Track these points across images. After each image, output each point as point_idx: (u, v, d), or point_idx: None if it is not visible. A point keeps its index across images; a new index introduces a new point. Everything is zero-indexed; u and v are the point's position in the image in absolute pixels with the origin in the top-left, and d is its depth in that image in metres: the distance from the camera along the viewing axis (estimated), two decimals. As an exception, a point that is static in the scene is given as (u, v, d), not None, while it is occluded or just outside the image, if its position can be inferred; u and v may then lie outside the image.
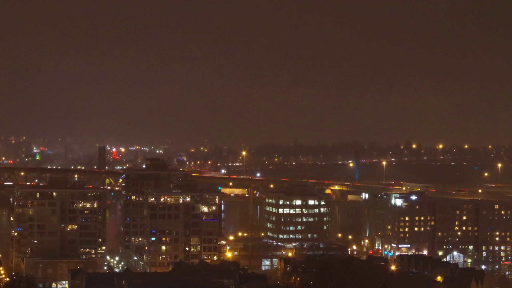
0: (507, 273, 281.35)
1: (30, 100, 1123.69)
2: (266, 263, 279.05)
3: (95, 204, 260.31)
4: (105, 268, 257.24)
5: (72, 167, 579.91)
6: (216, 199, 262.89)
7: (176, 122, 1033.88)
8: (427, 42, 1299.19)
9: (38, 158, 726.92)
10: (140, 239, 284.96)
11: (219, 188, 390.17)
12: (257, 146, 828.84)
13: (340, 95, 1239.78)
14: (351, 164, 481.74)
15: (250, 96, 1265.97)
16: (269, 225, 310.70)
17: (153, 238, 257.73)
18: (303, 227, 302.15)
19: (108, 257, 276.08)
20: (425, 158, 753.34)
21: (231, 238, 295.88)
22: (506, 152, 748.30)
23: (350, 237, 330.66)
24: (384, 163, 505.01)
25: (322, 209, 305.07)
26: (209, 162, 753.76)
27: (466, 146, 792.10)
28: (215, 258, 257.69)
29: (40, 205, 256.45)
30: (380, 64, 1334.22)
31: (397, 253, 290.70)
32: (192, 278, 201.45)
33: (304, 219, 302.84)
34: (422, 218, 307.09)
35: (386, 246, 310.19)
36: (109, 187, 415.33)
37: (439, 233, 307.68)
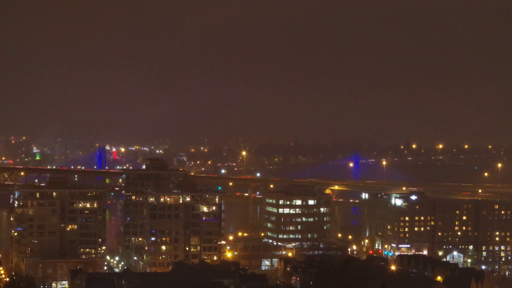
0: (507, 273, 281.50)
1: (30, 100, 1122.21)
2: (266, 263, 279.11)
3: (95, 204, 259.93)
4: (105, 268, 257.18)
5: (72, 167, 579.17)
6: (216, 199, 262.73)
7: (176, 122, 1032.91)
8: (427, 43, 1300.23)
9: (38, 158, 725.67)
10: (140, 239, 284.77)
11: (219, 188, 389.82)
12: (257, 146, 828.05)
13: (340, 95, 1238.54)
14: (351, 164, 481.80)
15: (250, 96, 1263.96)
16: (269, 225, 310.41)
17: (153, 238, 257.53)
18: (303, 227, 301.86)
19: (108, 257, 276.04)
20: (425, 158, 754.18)
21: (231, 238, 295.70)
22: (506, 152, 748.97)
23: (350, 237, 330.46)
24: (384, 163, 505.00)
25: (322, 209, 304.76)
26: (209, 162, 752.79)
27: (466, 146, 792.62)
28: (215, 258, 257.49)
29: (40, 205, 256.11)
30: (380, 64, 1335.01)
31: (397, 253, 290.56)
32: (192, 278, 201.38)
33: (304, 219, 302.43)
34: (422, 218, 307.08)
35: (386, 246, 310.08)
36: (109, 187, 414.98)
37: (439, 233, 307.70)
